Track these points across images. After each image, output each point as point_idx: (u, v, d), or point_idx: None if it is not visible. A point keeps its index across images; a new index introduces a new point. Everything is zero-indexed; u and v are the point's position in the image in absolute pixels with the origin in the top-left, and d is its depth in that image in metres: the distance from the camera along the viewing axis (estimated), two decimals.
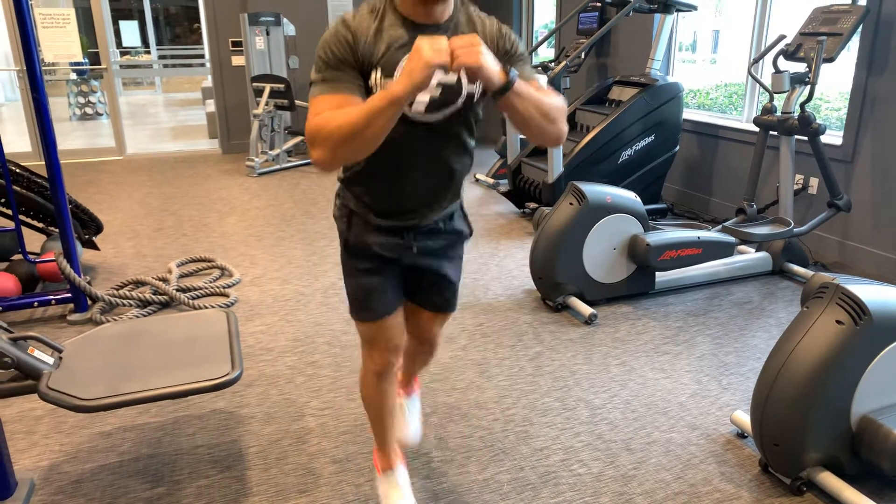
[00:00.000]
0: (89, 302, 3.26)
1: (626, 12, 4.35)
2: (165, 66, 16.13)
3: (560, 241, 3.17)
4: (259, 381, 2.63)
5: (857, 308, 1.81)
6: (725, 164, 4.77)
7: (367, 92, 1.33)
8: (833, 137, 3.98)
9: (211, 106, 8.38)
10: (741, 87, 5.87)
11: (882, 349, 1.83)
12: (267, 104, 6.52)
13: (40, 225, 3.89)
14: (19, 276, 3.35)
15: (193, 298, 3.43)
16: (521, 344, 2.94)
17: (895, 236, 3.63)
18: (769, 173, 4.37)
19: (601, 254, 3.25)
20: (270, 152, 6.63)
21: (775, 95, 3.60)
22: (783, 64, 3.58)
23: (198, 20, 17.25)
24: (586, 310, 3.15)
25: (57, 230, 3.68)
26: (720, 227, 3.63)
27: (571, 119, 5.06)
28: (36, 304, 3.16)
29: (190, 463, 2.13)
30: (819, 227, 3.86)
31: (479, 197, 5.60)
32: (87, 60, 10.58)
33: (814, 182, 4.07)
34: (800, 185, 4.14)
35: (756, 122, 3.70)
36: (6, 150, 7.01)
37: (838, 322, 1.83)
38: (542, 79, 1.42)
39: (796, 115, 3.49)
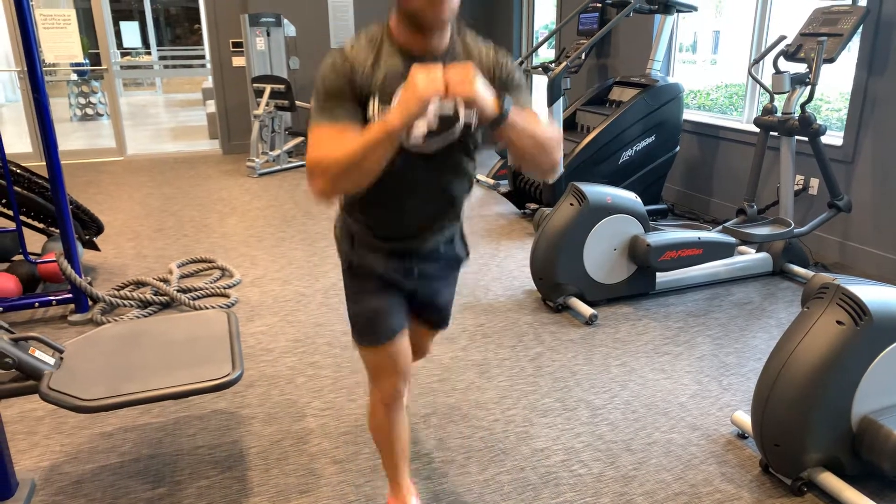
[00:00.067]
0: (90, 302, 3.26)
1: (627, 13, 4.35)
2: (166, 66, 16.13)
3: (560, 242, 3.17)
4: (260, 382, 2.63)
5: (857, 308, 1.81)
6: (726, 164, 4.77)
7: (366, 120, 1.34)
8: (833, 138, 3.98)
9: (211, 107, 8.39)
10: (741, 88, 5.87)
11: (882, 350, 1.83)
12: (267, 105, 6.52)
13: (41, 225, 3.90)
14: (20, 277, 3.35)
15: (194, 299, 3.43)
16: (522, 344, 2.94)
17: (895, 237, 3.64)
18: (769, 174, 4.37)
19: (602, 254, 3.25)
20: (271, 153, 6.64)
21: (776, 96, 3.61)
22: (783, 65, 3.58)
23: (198, 21, 17.26)
24: (587, 310, 3.15)
25: (58, 231, 3.69)
26: (720, 227, 3.63)
27: (572, 119, 5.06)
28: (37, 304, 3.16)
29: (191, 463, 2.13)
30: (819, 227, 3.86)
31: (479, 197, 5.60)
32: (87, 61, 10.58)
33: (814, 183, 4.07)
34: (800, 186, 4.14)
35: (756, 122, 3.70)
36: (7, 150, 7.01)
37: (839, 322, 1.83)
38: (543, 113, 1.41)
39: (797, 115, 3.49)
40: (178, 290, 3.45)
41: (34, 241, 4.30)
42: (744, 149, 4.58)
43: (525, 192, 4.92)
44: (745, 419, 2.24)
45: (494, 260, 4.05)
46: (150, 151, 7.79)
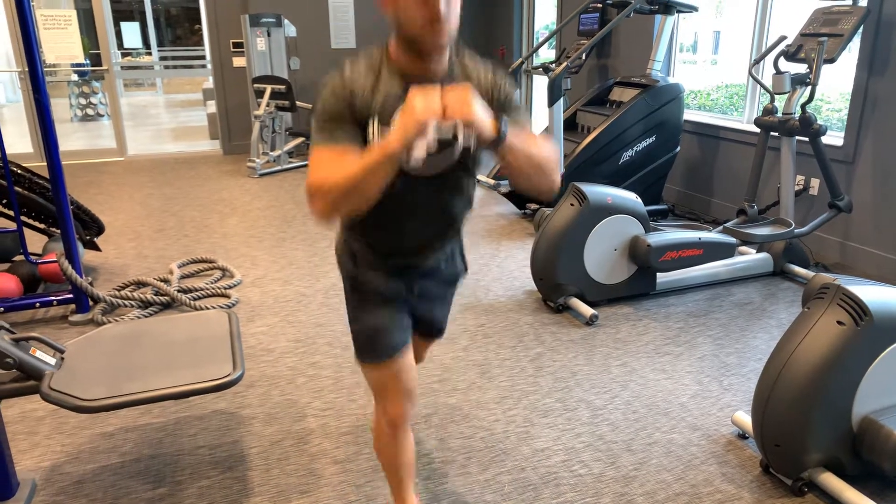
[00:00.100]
0: (91, 303, 3.26)
1: (627, 13, 4.35)
2: (166, 67, 16.14)
3: (561, 242, 3.17)
4: (260, 382, 2.64)
5: (858, 309, 1.81)
6: (726, 165, 4.77)
7: (366, 143, 1.35)
8: (834, 138, 3.98)
9: (212, 107, 8.39)
10: (742, 88, 5.87)
11: (883, 350, 1.83)
12: (268, 105, 6.52)
13: (42, 226, 3.90)
14: (21, 277, 3.35)
15: (195, 299, 3.43)
16: (522, 345, 2.94)
17: (895, 237, 3.63)
18: (770, 174, 4.37)
19: (602, 255, 3.25)
20: (271, 153, 6.64)
21: (776, 96, 3.61)
22: (784, 65, 3.58)
23: (199, 21, 17.27)
24: (587, 311, 3.15)
25: (58, 231, 3.69)
26: (721, 227, 3.63)
27: (572, 120, 5.07)
28: (38, 304, 3.16)
29: (191, 463, 2.13)
30: (820, 227, 3.86)
31: (480, 198, 5.60)
32: (88, 62, 10.60)
33: (815, 183, 4.07)
34: (801, 186, 4.14)
35: (757, 123, 3.70)
36: (8, 150, 7.01)
37: (839, 323, 1.83)
38: (542, 128, 1.41)
39: (797, 115, 3.49)
40: (178, 291, 3.45)
41: (35, 241, 4.30)
42: (744, 149, 4.58)
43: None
44: (745, 419, 2.24)
45: (495, 260, 4.05)
46: (151, 152, 7.79)
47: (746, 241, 3.56)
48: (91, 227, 3.83)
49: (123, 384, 1.78)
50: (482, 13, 8.07)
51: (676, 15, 5.04)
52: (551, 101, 4.27)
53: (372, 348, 1.53)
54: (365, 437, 2.26)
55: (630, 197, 3.29)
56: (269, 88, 6.49)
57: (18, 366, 1.77)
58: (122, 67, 12.76)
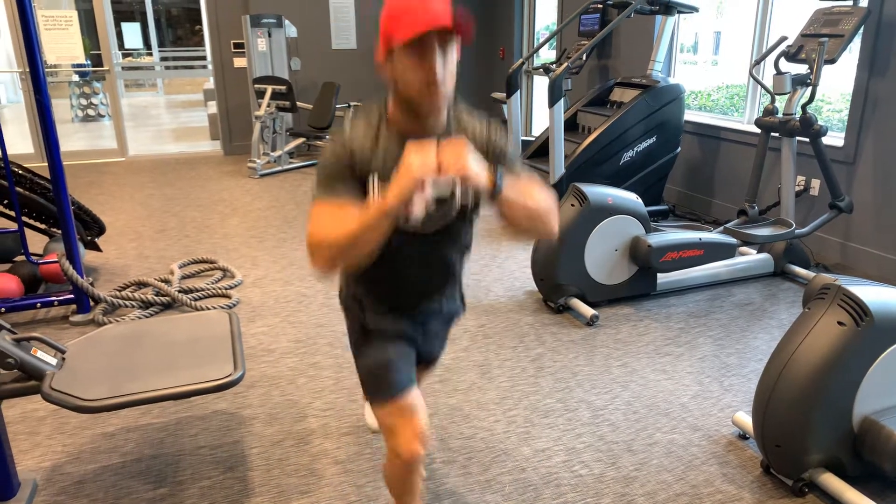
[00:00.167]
0: (92, 303, 3.27)
1: (628, 14, 4.35)
2: (167, 67, 16.14)
3: (561, 243, 3.17)
4: (261, 383, 2.64)
5: (858, 309, 1.81)
6: (727, 165, 4.77)
7: (367, 196, 1.38)
8: (834, 139, 3.98)
9: (213, 107, 8.39)
10: (742, 89, 5.87)
11: (884, 350, 1.83)
12: (269, 106, 6.53)
13: (43, 226, 3.90)
14: (22, 278, 3.36)
15: (195, 300, 3.43)
16: (523, 345, 2.94)
17: None
18: (771, 175, 4.37)
19: (603, 255, 3.25)
20: (272, 154, 6.64)
21: (777, 97, 3.61)
22: (785, 65, 3.58)
23: (200, 22, 17.28)
24: (588, 311, 3.15)
25: (59, 231, 3.69)
26: (722, 228, 3.63)
27: (573, 120, 5.07)
28: (38, 305, 3.17)
29: (192, 464, 2.13)
30: (820, 228, 3.86)
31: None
32: (89, 62, 10.60)
33: (815, 183, 4.07)
34: (801, 187, 4.14)
35: (757, 123, 3.70)
36: (9, 151, 7.02)
37: (840, 323, 1.83)
38: (538, 185, 1.43)
39: (798, 116, 3.49)
40: (179, 291, 3.45)
41: (36, 241, 4.30)
42: (745, 150, 4.58)
43: None
44: (746, 420, 2.24)
45: (496, 261, 4.05)
46: (152, 152, 7.80)
47: (747, 241, 3.56)
48: (92, 228, 3.84)
49: (124, 384, 1.78)
50: (482, 14, 8.07)
51: (677, 15, 5.05)
52: (552, 102, 4.27)
53: (380, 385, 1.52)
54: (366, 438, 2.26)
55: (631, 197, 3.29)
56: (269, 89, 6.49)
57: (20, 366, 1.77)
58: (122, 68, 12.77)
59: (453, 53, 1.30)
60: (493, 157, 1.44)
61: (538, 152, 4.94)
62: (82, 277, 3.12)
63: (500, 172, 1.28)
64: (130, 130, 9.67)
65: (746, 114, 4.67)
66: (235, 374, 1.84)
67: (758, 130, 3.85)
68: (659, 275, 3.44)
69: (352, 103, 7.35)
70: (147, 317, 3.24)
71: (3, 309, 3.13)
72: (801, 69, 3.53)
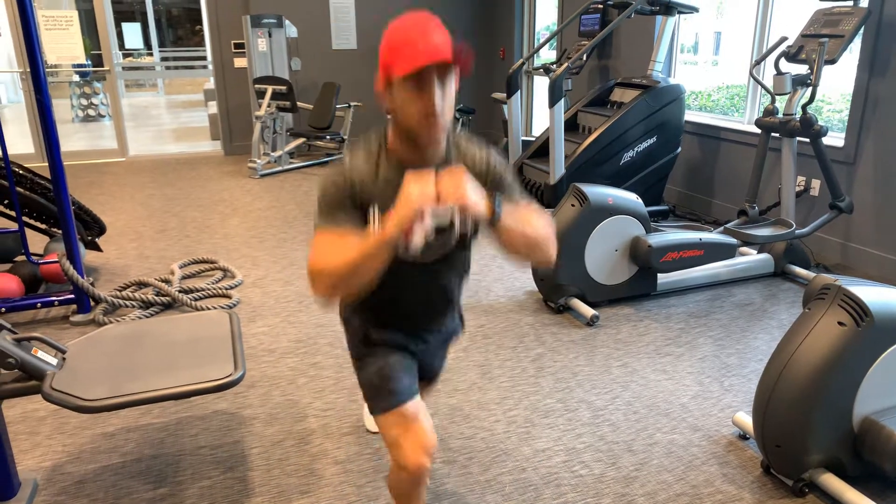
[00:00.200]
0: (92, 303, 3.27)
1: (628, 14, 4.35)
2: (168, 67, 16.15)
3: (562, 243, 3.17)
4: (261, 383, 2.64)
5: (859, 309, 1.81)
6: (727, 165, 4.77)
7: (367, 223, 1.40)
8: (835, 139, 3.98)
9: (213, 108, 8.40)
10: (743, 89, 5.87)
11: (884, 351, 1.83)
12: (269, 106, 6.53)
13: (43, 226, 3.91)
14: (22, 278, 3.36)
15: (196, 300, 3.43)
16: (523, 345, 2.94)
17: None
18: (771, 175, 4.37)
19: (603, 255, 3.25)
20: (272, 154, 6.64)
21: (777, 97, 3.61)
22: (785, 66, 3.58)
23: (200, 22, 17.29)
24: (588, 311, 3.15)
25: (60, 231, 3.70)
26: (722, 228, 3.63)
27: (573, 121, 5.07)
28: (39, 305, 3.17)
29: (192, 464, 2.13)
30: (821, 228, 3.86)
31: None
32: (89, 62, 10.61)
33: (815, 184, 4.07)
34: (801, 187, 4.14)
35: (758, 123, 3.70)
36: (9, 151, 7.02)
37: (840, 324, 1.83)
38: (536, 209, 1.46)
39: (798, 116, 3.49)
40: (180, 291, 3.45)
41: (36, 241, 4.31)
42: (745, 150, 4.58)
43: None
44: (746, 420, 2.24)
45: (496, 261, 4.05)
46: (152, 152, 7.80)
47: (747, 241, 3.56)
48: (92, 228, 3.84)
49: (125, 384, 1.78)
50: (483, 14, 8.07)
51: (677, 16, 5.05)
52: (552, 102, 4.27)
53: (382, 394, 1.51)
54: (366, 438, 2.26)
55: (631, 198, 3.29)
56: (270, 89, 6.49)
57: (20, 366, 1.77)
58: (123, 68, 12.78)
59: (452, 84, 1.31)
60: (492, 183, 1.46)
61: (538, 152, 4.94)
62: (83, 277, 3.12)
63: (498, 200, 1.30)
64: (131, 130, 9.67)
65: (747, 114, 4.67)
66: (236, 374, 1.84)
67: (758, 131, 3.85)
68: (659, 275, 3.45)
69: (352, 103, 7.35)
70: (147, 317, 3.24)
71: (3, 309, 3.13)
72: (802, 69, 3.53)
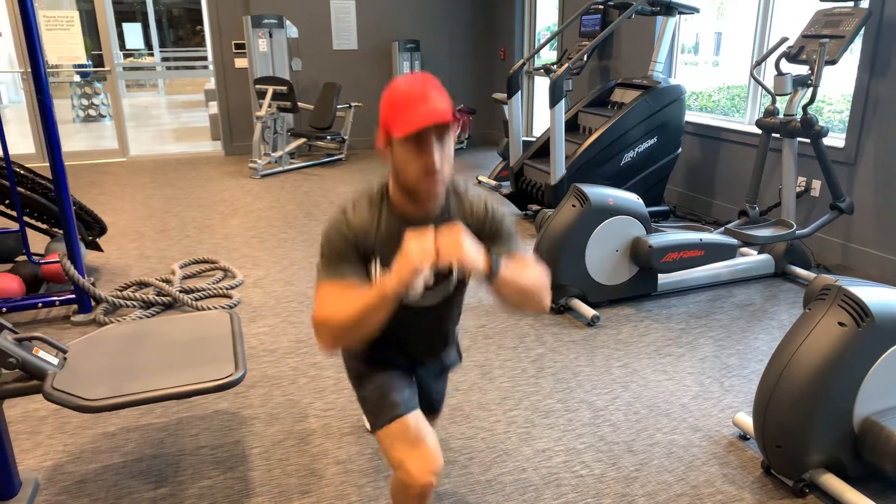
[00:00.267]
0: (93, 303, 3.27)
1: (629, 15, 4.35)
2: (168, 68, 16.16)
3: (562, 244, 3.17)
4: (262, 383, 2.64)
5: (859, 310, 1.81)
6: (728, 166, 4.77)
7: (369, 275, 1.45)
8: (835, 140, 3.98)
9: (214, 108, 8.40)
10: (743, 90, 5.87)
11: (884, 351, 1.83)
12: (270, 106, 6.53)
13: (44, 226, 3.91)
14: (23, 278, 3.36)
15: (196, 300, 3.43)
16: (524, 345, 2.95)
17: None
18: (771, 176, 4.37)
19: (603, 256, 3.25)
20: (273, 154, 6.65)
21: (778, 98, 3.61)
22: (786, 66, 3.58)
23: (201, 22, 17.29)
24: (589, 311, 3.15)
25: (61, 231, 3.70)
26: (722, 229, 3.63)
27: (574, 121, 5.07)
28: (40, 304, 3.17)
29: (193, 463, 2.14)
30: (821, 229, 3.86)
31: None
32: (90, 62, 10.61)
33: (816, 184, 4.07)
34: (802, 188, 4.14)
35: (758, 124, 3.70)
36: (10, 151, 7.02)
37: (841, 324, 1.83)
38: (531, 258, 1.50)
39: (799, 117, 3.49)
40: (180, 291, 3.45)
41: (37, 241, 4.31)
42: (746, 150, 4.58)
43: (527, 194, 4.92)
44: (746, 420, 2.24)
45: None
46: (153, 152, 7.81)
47: (748, 242, 3.56)
48: (93, 228, 3.84)
49: (126, 384, 1.78)
50: (483, 14, 8.07)
51: (678, 16, 5.05)
52: (553, 103, 4.27)
53: (383, 406, 1.52)
54: (366, 438, 2.26)
55: (631, 198, 3.29)
56: (270, 89, 6.50)
57: (21, 365, 1.77)
58: (124, 68, 12.79)
59: (451, 141, 1.35)
60: (490, 232, 1.50)
61: (539, 153, 4.94)
62: (83, 277, 3.13)
63: (496, 257, 1.35)
64: (131, 131, 9.67)
65: (747, 115, 4.67)
66: (236, 374, 1.84)
67: (759, 131, 3.85)
68: (660, 275, 3.45)
69: (352, 104, 7.35)
70: (148, 317, 3.24)
71: (4, 309, 3.13)
72: (802, 70, 3.53)
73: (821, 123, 3.42)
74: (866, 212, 3.79)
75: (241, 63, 7.32)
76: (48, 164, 2.98)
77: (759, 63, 3.80)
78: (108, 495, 1.99)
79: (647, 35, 5.39)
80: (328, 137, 6.90)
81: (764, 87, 3.68)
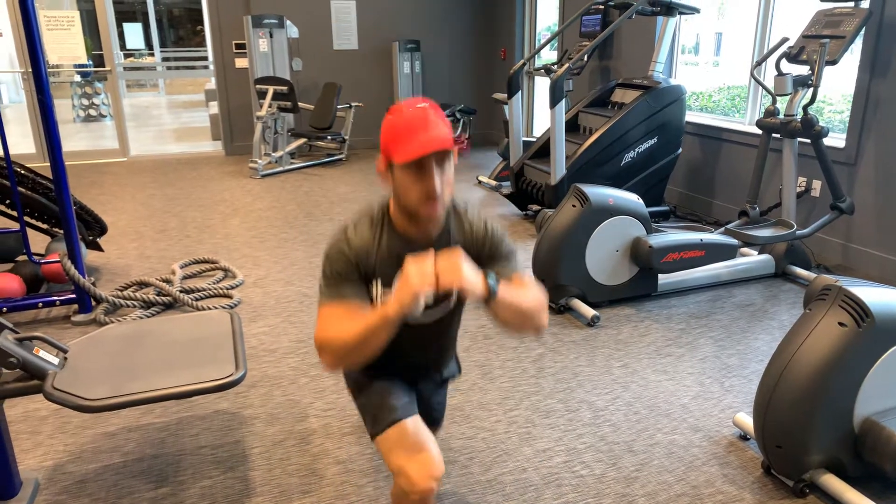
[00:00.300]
0: (93, 303, 3.27)
1: (629, 15, 4.35)
2: (169, 68, 16.17)
3: (563, 244, 3.17)
4: (262, 382, 2.64)
5: (859, 310, 1.81)
6: (728, 166, 4.77)
7: (370, 295, 1.48)
8: (836, 140, 3.98)
9: (214, 108, 8.40)
10: (744, 90, 5.87)
11: (885, 351, 1.83)
12: (270, 106, 6.53)
13: (45, 226, 3.91)
14: (24, 277, 3.36)
15: (197, 300, 3.44)
16: (524, 346, 2.95)
17: None
18: (772, 176, 4.37)
19: (604, 256, 3.25)
20: (273, 154, 6.65)
21: (778, 98, 3.61)
22: (786, 66, 3.59)
23: (201, 22, 17.30)
24: (589, 312, 3.15)
25: (61, 231, 3.70)
26: (723, 229, 3.63)
27: (574, 121, 5.07)
28: (40, 304, 3.17)
29: (193, 463, 2.14)
30: (822, 229, 3.86)
31: (481, 199, 5.60)
32: (91, 62, 10.61)
33: (816, 184, 4.07)
34: (802, 188, 4.14)
35: (759, 124, 3.70)
36: (11, 151, 7.03)
37: (841, 324, 1.83)
38: (529, 275, 1.53)
39: (799, 117, 3.49)
40: (181, 291, 3.45)
41: (38, 241, 4.31)
42: (746, 151, 4.58)
43: (527, 194, 4.92)
44: (747, 421, 2.24)
45: None
46: (153, 152, 7.81)
47: (748, 242, 3.56)
48: (94, 228, 3.84)
49: (126, 384, 1.78)
50: (483, 14, 8.08)
51: (678, 16, 5.05)
52: (553, 103, 4.28)
53: (381, 411, 1.52)
54: (367, 438, 2.26)
55: (632, 198, 3.29)
56: (271, 89, 6.50)
57: (22, 365, 1.77)
58: (124, 68, 12.79)
59: (451, 165, 1.38)
60: (490, 251, 1.52)
61: (539, 153, 4.94)
62: (84, 277, 3.13)
63: (494, 280, 1.36)
64: (132, 130, 9.68)
65: (748, 115, 4.67)
66: (237, 373, 1.84)
67: (759, 131, 3.85)
68: (660, 276, 3.45)
69: (353, 104, 7.36)
70: (149, 317, 3.24)
71: (5, 308, 3.14)
72: (803, 70, 3.53)
73: (821, 124, 3.42)
74: (867, 212, 3.79)
75: (241, 63, 7.32)
76: (49, 164, 2.99)
77: (759, 63, 3.80)
78: (109, 495, 1.99)
79: (648, 35, 5.39)
80: (328, 137, 6.91)
81: (764, 88, 3.68)
